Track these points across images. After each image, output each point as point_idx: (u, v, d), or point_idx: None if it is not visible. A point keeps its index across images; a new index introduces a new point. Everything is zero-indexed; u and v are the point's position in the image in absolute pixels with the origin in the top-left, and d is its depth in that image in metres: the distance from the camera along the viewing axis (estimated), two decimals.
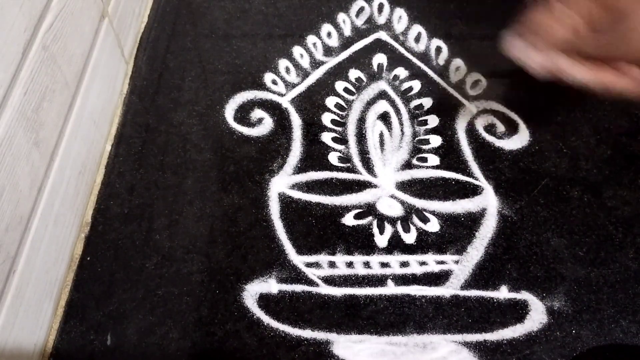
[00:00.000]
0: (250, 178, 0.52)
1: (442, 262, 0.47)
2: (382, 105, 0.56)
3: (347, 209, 0.50)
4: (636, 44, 0.37)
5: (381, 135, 0.55)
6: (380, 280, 0.46)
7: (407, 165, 0.52)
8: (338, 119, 0.56)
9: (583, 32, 0.39)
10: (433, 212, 0.50)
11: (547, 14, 0.40)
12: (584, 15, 0.39)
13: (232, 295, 0.45)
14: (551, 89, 0.58)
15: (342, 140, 0.54)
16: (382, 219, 0.49)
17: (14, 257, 0.40)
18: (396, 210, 0.50)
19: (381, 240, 0.48)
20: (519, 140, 0.54)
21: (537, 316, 0.44)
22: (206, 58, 0.60)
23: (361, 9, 0.64)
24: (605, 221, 0.49)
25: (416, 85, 0.58)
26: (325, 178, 0.52)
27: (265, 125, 0.55)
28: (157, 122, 0.56)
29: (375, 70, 0.59)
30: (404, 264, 0.47)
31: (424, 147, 0.54)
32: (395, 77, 0.58)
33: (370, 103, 0.57)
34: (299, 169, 0.52)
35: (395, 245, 0.48)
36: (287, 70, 0.59)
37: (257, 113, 0.56)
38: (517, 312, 0.44)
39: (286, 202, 0.50)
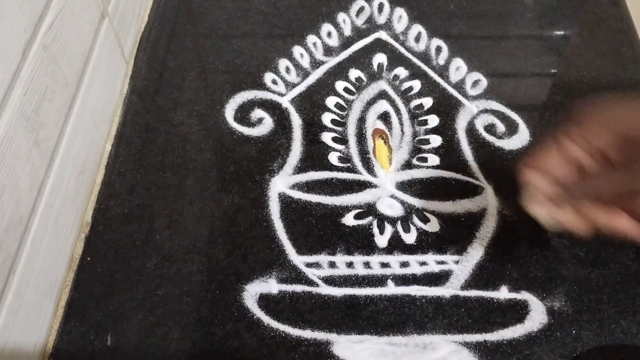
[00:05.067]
0: (250, 178, 0.52)
1: (442, 262, 0.47)
2: (382, 105, 0.56)
3: (347, 209, 0.50)
4: None
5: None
6: (380, 281, 0.46)
7: (407, 165, 0.52)
8: (338, 118, 0.56)
9: (590, 169, 0.36)
10: (433, 212, 0.50)
11: (551, 153, 0.37)
12: (599, 148, 0.35)
13: (232, 296, 0.45)
14: (551, 89, 0.58)
15: (342, 140, 0.54)
16: (382, 219, 0.49)
17: (14, 257, 0.40)
18: (396, 210, 0.50)
19: (381, 241, 0.48)
20: (519, 140, 0.54)
21: (537, 316, 0.44)
22: (206, 58, 0.60)
23: (361, 9, 0.64)
24: None
25: (416, 85, 0.58)
26: (325, 178, 0.52)
27: (265, 125, 0.55)
28: (157, 122, 0.55)
29: (376, 70, 0.59)
30: (404, 264, 0.47)
31: (424, 147, 0.54)
32: (395, 77, 0.58)
33: (371, 103, 0.57)
34: (299, 169, 0.52)
35: (396, 245, 0.48)
36: (287, 70, 0.59)
37: (257, 113, 0.56)
38: (517, 312, 0.44)
39: (286, 202, 0.50)
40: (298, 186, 0.51)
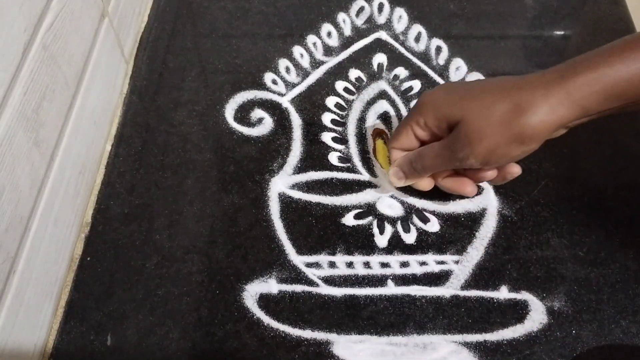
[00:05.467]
0: (250, 178, 0.52)
1: (442, 262, 0.47)
2: (382, 105, 0.56)
3: (347, 209, 0.50)
4: (472, 147, 0.41)
5: None
6: (380, 281, 0.46)
7: None
8: (338, 118, 0.56)
9: (428, 141, 0.46)
10: (433, 212, 0.50)
11: (404, 135, 0.46)
12: (431, 129, 0.44)
13: (232, 296, 0.45)
14: None
15: (342, 140, 0.54)
16: (382, 219, 0.49)
17: (14, 257, 0.40)
18: (396, 210, 0.50)
19: (381, 240, 0.48)
20: None
21: (537, 316, 0.44)
22: (206, 58, 0.60)
23: (361, 9, 0.64)
24: (605, 221, 0.49)
25: (416, 85, 0.58)
26: (325, 178, 0.52)
27: (265, 125, 0.55)
28: (157, 122, 0.55)
29: (375, 70, 0.59)
30: (404, 264, 0.47)
31: None
32: (395, 77, 0.58)
33: (371, 103, 0.57)
34: (299, 169, 0.52)
35: (396, 245, 0.48)
36: (287, 70, 0.59)
37: (257, 113, 0.56)
38: (517, 312, 0.44)
39: (286, 202, 0.50)
40: (298, 186, 0.51)
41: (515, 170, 0.45)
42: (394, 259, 0.47)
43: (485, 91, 0.42)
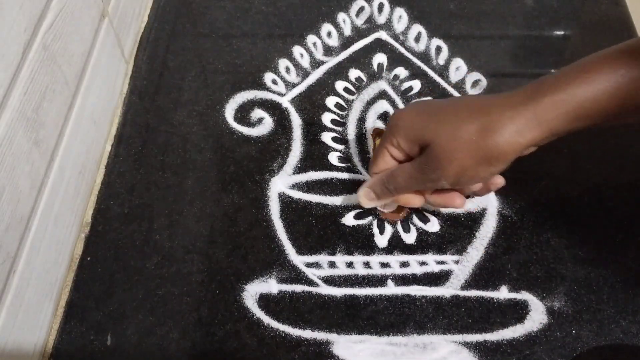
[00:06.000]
0: (250, 178, 0.52)
1: (442, 262, 0.47)
2: (382, 105, 0.56)
3: (347, 209, 0.50)
4: (442, 169, 0.41)
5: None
6: (380, 281, 0.46)
7: None
8: (338, 118, 0.56)
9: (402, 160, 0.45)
10: (433, 212, 0.50)
11: (381, 158, 0.46)
12: (404, 150, 0.44)
13: (232, 296, 0.45)
14: None
15: (342, 140, 0.54)
16: (382, 219, 0.49)
17: (14, 257, 0.40)
18: None
19: (381, 240, 0.48)
20: None
21: (537, 316, 0.44)
22: (206, 58, 0.60)
23: (361, 9, 0.64)
24: (605, 221, 0.49)
25: (416, 85, 0.58)
26: (325, 178, 0.52)
27: (265, 125, 0.55)
28: (157, 122, 0.55)
29: (375, 70, 0.59)
30: (404, 264, 0.47)
31: None
32: (395, 77, 0.58)
33: (371, 103, 0.57)
34: (299, 169, 0.52)
35: (395, 245, 0.48)
36: (287, 70, 0.59)
37: (257, 113, 0.56)
38: (517, 312, 0.44)
39: (286, 202, 0.50)
40: (298, 186, 0.51)
41: (499, 181, 0.45)
42: (394, 259, 0.47)
43: (454, 112, 0.42)
